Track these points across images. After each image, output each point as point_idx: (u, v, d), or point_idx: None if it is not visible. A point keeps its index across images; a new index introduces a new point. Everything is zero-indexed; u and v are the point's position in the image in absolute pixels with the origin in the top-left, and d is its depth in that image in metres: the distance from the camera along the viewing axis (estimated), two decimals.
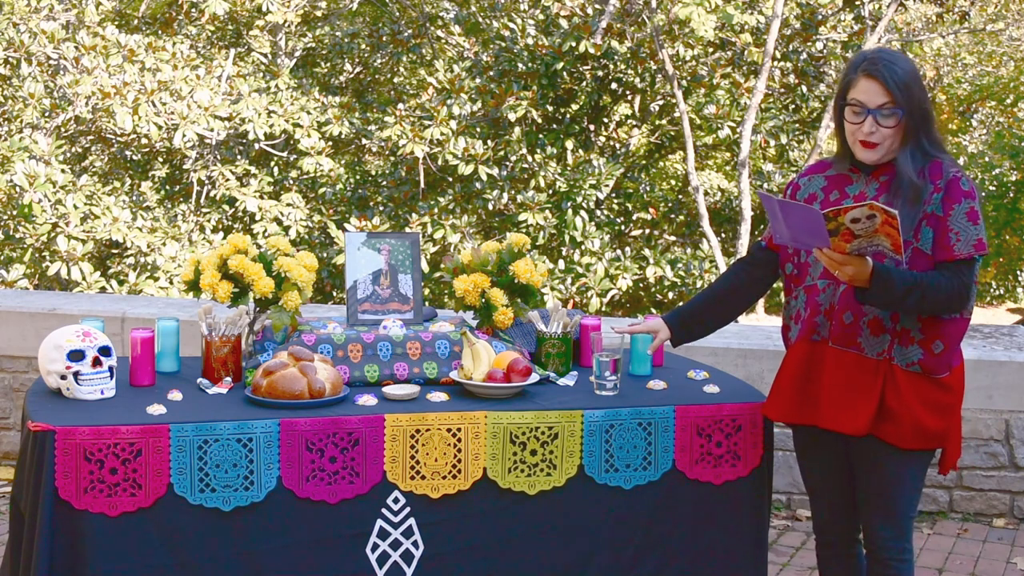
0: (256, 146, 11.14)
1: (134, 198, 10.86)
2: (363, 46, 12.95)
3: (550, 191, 10.71)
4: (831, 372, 2.90)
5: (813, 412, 2.95)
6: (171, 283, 9.68)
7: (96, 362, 2.99)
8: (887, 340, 2.84)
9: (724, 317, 3.25)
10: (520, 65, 10.91)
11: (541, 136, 11.12)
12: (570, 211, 10.46)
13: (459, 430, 2.97)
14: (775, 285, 3.28)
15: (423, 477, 2.95)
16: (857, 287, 2.78)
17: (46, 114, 10.36)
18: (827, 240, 2.71)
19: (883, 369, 2.84)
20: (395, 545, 2.95)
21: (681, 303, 3.29)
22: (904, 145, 2.83)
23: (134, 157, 11.99)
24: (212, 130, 10.37)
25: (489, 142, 10.79)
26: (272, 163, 11.67)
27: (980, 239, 2.79)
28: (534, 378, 3.13)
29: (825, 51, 11.67)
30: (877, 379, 2.84)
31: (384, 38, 12.55)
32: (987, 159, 13.86)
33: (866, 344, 2.85)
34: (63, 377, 2.99)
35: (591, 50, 10.47)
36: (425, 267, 10.08)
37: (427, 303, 9.75)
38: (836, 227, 2.69)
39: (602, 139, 12.18)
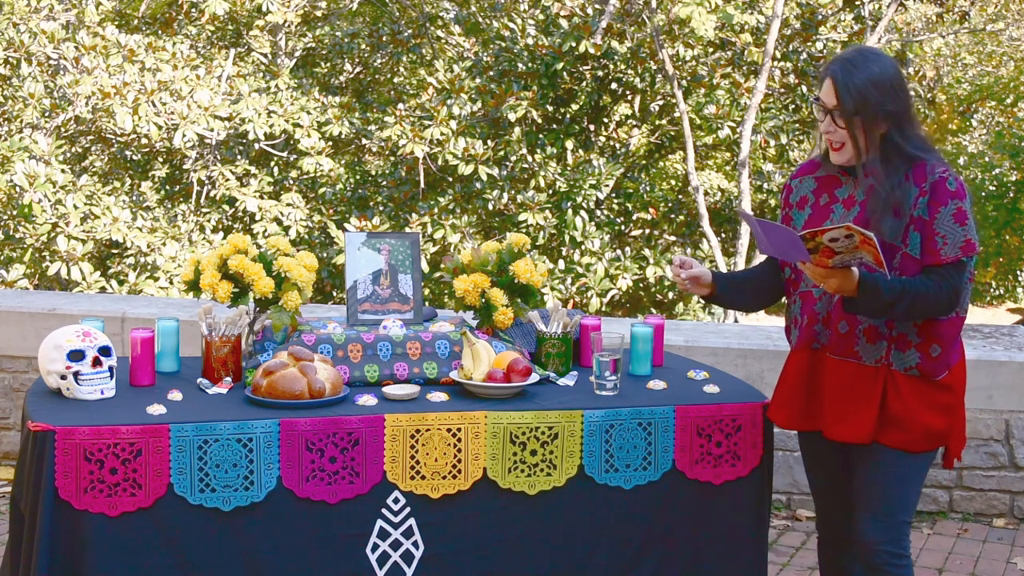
0: (256, 146, 11.15)
1: (134, 198, 10.87)
2: (363, 46, 12.95)
3: (550, 191, 10.71)
4: (831, 382, 2.91)
5: (819, 420, 2.97)
6: (171, 283, 9.69)
7: (96, 362, 2.99)
8: (884, 346, 2.84)
9: (759, 301, 3.21)
10: (520, 65, 10.91)
11: (541, 136, 11.12)
12: (570, 211, 10.47)
13: (459, 430, 2.97)
14: None
15: (423, 477, 2.95)
16: (845, 297, 2.79)
17: (46, 114, 10.37)
18: (807, 255, 2.73)
19: (882, 375, 2.85)
20: (395, 545, 2.95)
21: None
22: (876, 151, 2.80)
23: (134, 157, 11.99)
24: (212, 130, 10.37)
25: (489, 142, 10.79)
26: (272, 163, 11.67)
27: (968, 240, 2.77)
28: (534, 378, 3.13)
29: (825, 51, 11.66)
30: (876, 386, 2.85)
31: (384, 38, 12.56)
32: (987, 159, 13.86)
33: (863, 352, 2.86)
34: (63, 377, 2.99)
35: (591, 50, 10.47)
36: (425, 267, 10.08)
37: (427, 303, 9.77)
38: (815, 246, 2.71)
39: (602, 139, 12.18)
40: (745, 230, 11.03)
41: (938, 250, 2.77)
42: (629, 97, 11.98)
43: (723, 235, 12.02)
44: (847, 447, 2.95)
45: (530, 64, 10.89)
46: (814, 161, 3.04)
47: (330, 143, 11.37)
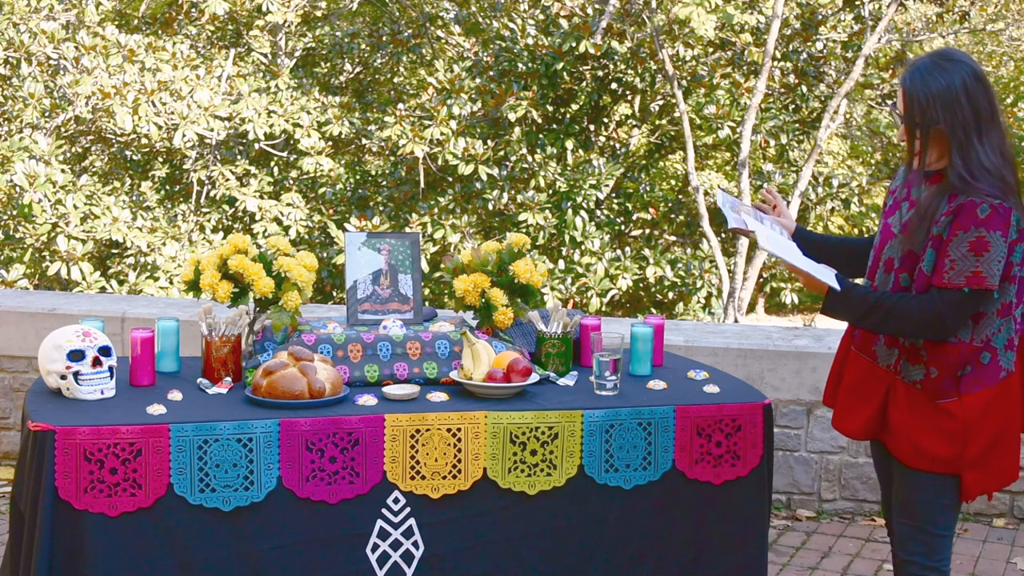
0: (256, 146, 11.15)
1: (134, 198, 10.87)
2: (363, 46, 12.96)
3: (550, 191, 10.71)
4: (849, 374, 2.99)
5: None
6: (171, 283, 9.69)
7: (96, 362, 2.99)
8: (896, 354, 2.85)
9: (841, 266, 3.13)
10: (520, 65, 10.92)
11: (541, 136, 11.13)
12: (570, 211, 10.47)
13: (459, 430, 2.97)
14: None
15: (423, 477, 2.95)
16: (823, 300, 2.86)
17: (46, 114, 10.37)
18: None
19: (888, 381, 2.87)
20: (395, 545, 2.95)
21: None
22: (943, 163, 2.77)
23: (134, 157, 11.99)
24: (212, 130, 10.37)
25: (489, 142, 10.80)
26: (272, 163, 11.67)
27: (977, 272, 2.67)
28: (534, 378, 3.13)
29: (825, 51, 11.68)
30: (881, 389, 2.88)
31: (384, 38, 12.56)
32: None
33: (880, 353, 2.89)
34: (63, 377, 2.99)
35: (591, 50, 10.48)
36: (425, 267, 10.08)
37: (427, 303, 9.76)
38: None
39: (602, 139, 12.19)
40: None
41: (943, 272, 2.71)
42: (629, 97, 11.98)
43: (723, 235, 12.02)
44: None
45: (530, 64, 10.90)
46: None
47: (330, 143, 11.37)
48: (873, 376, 2.90)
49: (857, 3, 11.72)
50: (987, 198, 2.68)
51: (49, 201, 9.39)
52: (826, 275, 2.86)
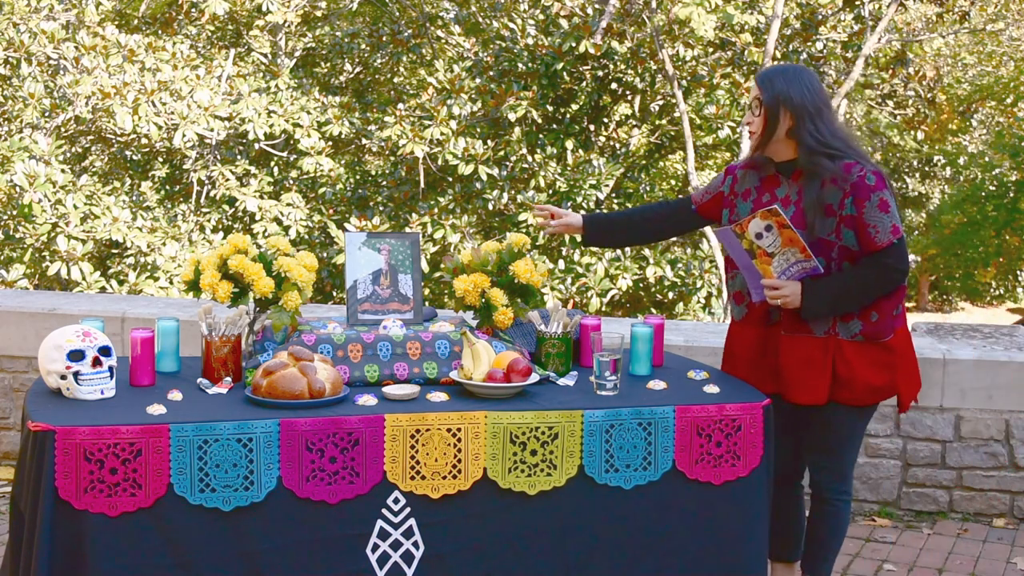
0: (256, 146, 11.15)
1: (134, 198, 10.87)
2: (363, 46, 12.96)
3: (550, 191, 10.71)
4: (787, 354, 3.30)
5: (776, 385, 3.35)
6: (171, 283, 9.69)
7: (96, 362, 2.99)
8: (830, 319, 3.24)
9: (631, 239, 3.84)
10: (520, 65, 10.92)
11: (541, 136, 11.12)
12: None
13: (459, 430, 2.97)
14: None
15: (423, 477, 2.95)
16: (801, 306, 3.21)
17: (46, 114, 10.37)
18: (750, 261, 3.19)
19: (831, 345, 3.25)
20: (395, 546, 2.95)
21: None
22: (793, 139, 3.18)
23: (134, 157, 12.00)
24: (212, 130, 10.37)
25: (489, 142, 10.80)
26: (272, 163, 11.68)
27: (895, 225, 3.16)
28: (534, 378, 3.13)
29: (825, 51, 11.68)
30: (827, 354, 3.25)
31: (384, 38, 12.57)
32: (987, 159, 13.85)
33: (814, 326, 3.26)
34: (63, 377, 2.99)
35: (591, 50, 10.48)
36: (425, 267, 10.08)
37: (427, 303, 9.76)
38: (750, 246, 3.16)
39: (602, 139, 12.18)
40: None
41: (873, 239, 3.16)
42: (629, 97, 11.98)
43: None
44: (801, 406, 3.34)
45: (530, 64, 10.90)
46: (754, 161, 3.35)
47: (330, 143, 11.37)
48: (815, 346, 3.25)
49: (857, 3, 11.73)
50: (865, 167, 3.14)
51: (49, 201, 9.39)
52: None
